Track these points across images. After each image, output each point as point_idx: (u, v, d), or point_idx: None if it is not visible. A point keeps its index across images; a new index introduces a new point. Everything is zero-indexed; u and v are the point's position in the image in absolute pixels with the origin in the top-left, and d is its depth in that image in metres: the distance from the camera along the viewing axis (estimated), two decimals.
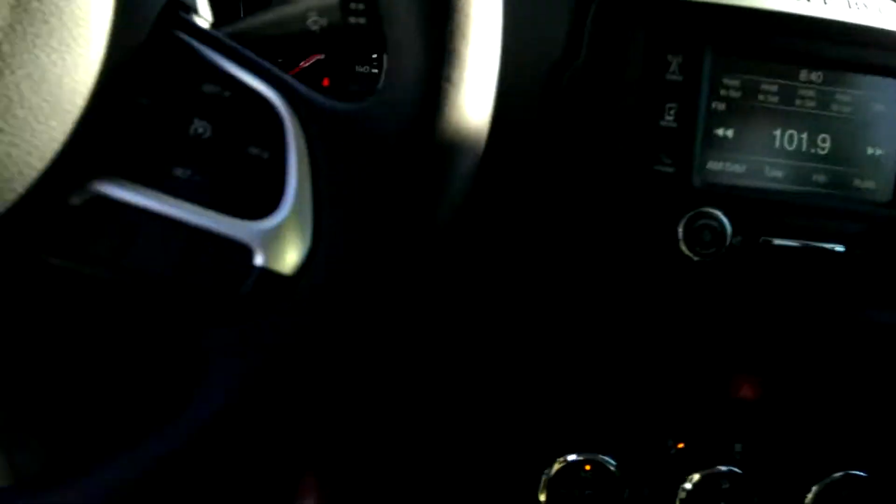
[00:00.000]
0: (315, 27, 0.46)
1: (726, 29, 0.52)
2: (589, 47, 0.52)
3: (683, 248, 0.51)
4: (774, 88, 0.53)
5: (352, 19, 0.40)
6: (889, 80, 0.54)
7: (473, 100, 0.32)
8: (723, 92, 0.53)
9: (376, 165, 0.30)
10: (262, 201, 0.30)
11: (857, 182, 0.54)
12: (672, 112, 0.52)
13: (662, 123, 0.52)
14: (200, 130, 0.31)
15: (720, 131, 0.53)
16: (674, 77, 0.52)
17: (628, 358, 0.59)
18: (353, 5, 0.40)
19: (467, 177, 0.32)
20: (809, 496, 0.61)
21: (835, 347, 0.58)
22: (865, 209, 0.54)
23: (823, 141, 0.54)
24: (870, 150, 0.54)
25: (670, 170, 0.52)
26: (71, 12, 0.26)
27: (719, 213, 0.50)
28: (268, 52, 0.52)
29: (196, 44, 0.31)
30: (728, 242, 0.50)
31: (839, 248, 0.53)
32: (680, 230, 0.50)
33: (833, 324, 0.55)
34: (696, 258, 0.50)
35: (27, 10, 0.24)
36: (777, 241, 0.53)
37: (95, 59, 0.27)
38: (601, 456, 0.60)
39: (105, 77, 0.27)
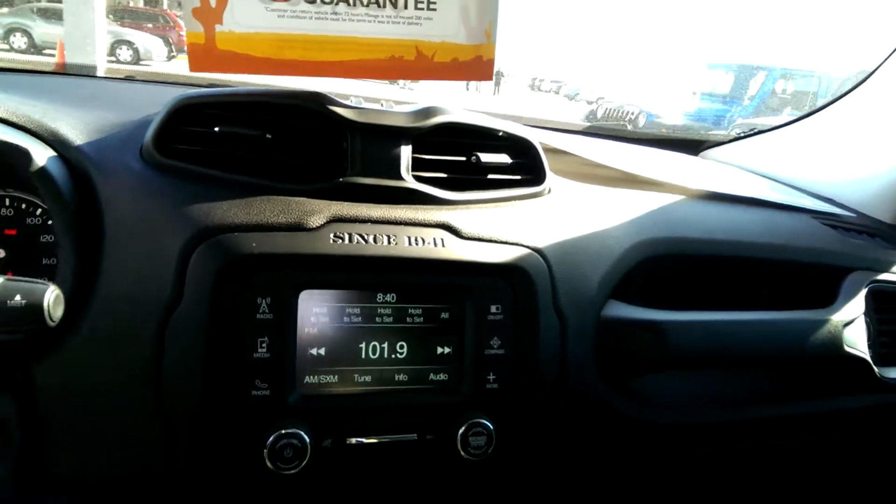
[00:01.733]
0: None
1: (307, 272, 0.63)
2: (188, 295, 0.60)
3: (268, 464, 0.60)
4: (357, 310, 0.65)
5: None
6: (452, 293, 0.68)
7: None
8: (313, 319, 0.64)
9: None
10: None
11: (432, 376, 0.68)
12: (265, 345, 0.61)
13: (256, 355, 0.61)
14: None
15: (314, 351, 0.64)
16: (265, 316, 0.61)
17: None
18: None
19: None
20: None
21: None
22: (440, 399, 0.67)
23: (402, 347, 0.67)
24: (439, 350, 0.68)
25: (266, 392, 0.62)
26: None
27: (300, 431, 0.61)
28: None
29: None
30: (308, 455, 0.61)
31: (412, 437, 0.66)
32: (265, 451, 0.60)
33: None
34: (282, 472, 0.60)
35: None
36: (360, 440, 0.64)
37: None
38: None
39: None
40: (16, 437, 0.60)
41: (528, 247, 0.71)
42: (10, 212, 0.71)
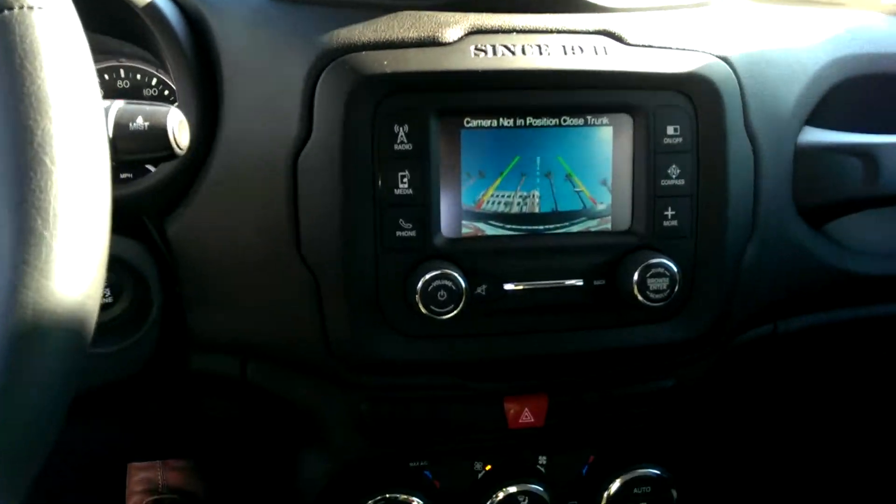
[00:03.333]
0: None
1: (447, 93, 0.53)
2: (318, 125, 0.53)
3: (421, 308, 0.53)
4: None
5: None
6: (616, 115, 0.56)
7: (66, 280, 0.30)
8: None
9: None
10: None
11: (595, 212, 0.58)
12: (405, 180, 0.53)
13: (398, 192, 0.54)
14: None
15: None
16: (403, 146, 0.53)
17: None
18: None
19: (73, 352, 0.31)
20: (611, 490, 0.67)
21: (597, 365, 0.63)
22: (604, 241, 0.58)
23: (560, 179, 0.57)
24: (604, 182, 0.57)
25: (412, 234, 0.54)
26: None
27: (455, 273, 0.53)
28: None
29: None
30: (464, 300, 0.53)
31: (578, 281, 0.57)
32: (416, 295, 0.53)
33: (587, 347, 0.60)
34: (436, 318, 0.53)
35: None
36: (520, 286, 0.56)
37: None
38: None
39: None
40: (156, 291, 0.57)
41: (712, 54, 0.57)
42: (126, 84, 0.66)
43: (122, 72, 0.67)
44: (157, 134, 0.44)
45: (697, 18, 0.61)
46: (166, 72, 0.63)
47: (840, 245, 0.68)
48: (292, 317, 0.57)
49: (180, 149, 0.46)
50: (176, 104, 0.56)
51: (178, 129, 0.46)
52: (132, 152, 0.44)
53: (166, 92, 0.66)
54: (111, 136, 0.43)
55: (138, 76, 0.67)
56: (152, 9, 0.57)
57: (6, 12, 0.31)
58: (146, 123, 0.43)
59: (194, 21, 0.60)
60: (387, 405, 0.62)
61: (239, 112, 0.57)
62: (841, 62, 0.66)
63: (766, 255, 0.62)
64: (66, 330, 0.31)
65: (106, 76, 0.66)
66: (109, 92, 0.66)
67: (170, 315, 0.59)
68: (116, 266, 0.56)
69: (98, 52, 0.66)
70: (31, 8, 0.31)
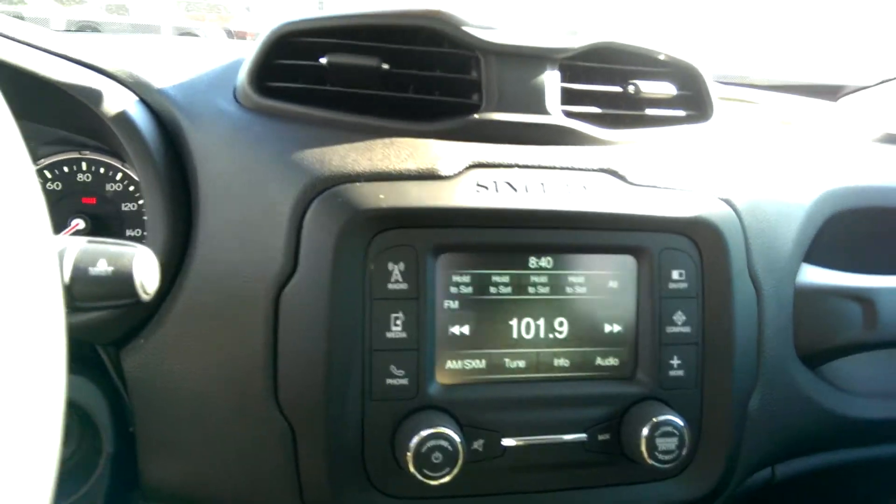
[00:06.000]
0: None
1: (445, 229, 0.50)
2: (305, 260, 0.48)
3: (413, 471, 0.47)
4: (506, 279, 0.52)
5: None
6: (621, 257, 0.54)
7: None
8: (453, 290, 0.51)
9: None
10: None
11: (599, 360, 0.54)
12: (399, 322, 0.49)
13: (390, 335, 0.49)
14: None
15: (455, 330, 0.51)
16: (398, 286, 0.49)
17: None
18: None
19: None
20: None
21: None
22: (608, 390, 0.53)
23: (561, 325, 0.53)
24: (608, 328, 0.54)
25: (404, 381, 0.49)
26: None
27: (451, 432, 0.48)
28: None
29: None
30: (460, 462, 0.48)
31: (583, 436, 0.52)
32: (408, 455, 0.47)
33: None
34: (428, 481, 0.47)
35: None
36: (520, 441, 0.51)
37: None
38: None
39: None
40: (107, 437, 0.50)
41: (715, 196, 0.56)
42: (87, 177, 0.61)
43: (83, 164, 0.61)
44: (122, 279, 0.38)
45: (695, 153, 0.60)
46: (132, 166, 0.58)
47: (839, 388, 0.66)
48: (262, 469, 0.50)
49: (147, 294, 0.41)
50: (144, 239, 0.51)
51: (146, 274, 0.40)
52: (91, 299, 0.38)
53: (131, 188, 0.61)
54: (67, 281, 0.37)
55: (101, 170, 0.61)
56: (124, 120, 0.53)
57: None
58: (110, 268, 0.38)
59: (170, 133, 0.56)
60: None
61: (214, 236, 0.52)
62: (832, 195, 0.66)
63: (769, 402, 0.59)
64: None
65: (66, 168, 0.61)
66: (69, 186, 0.61)
67: (121, 462, 0.51)
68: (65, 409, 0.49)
69: (58, 144, 0.61)
70: None
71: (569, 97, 0.58)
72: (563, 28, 0.58)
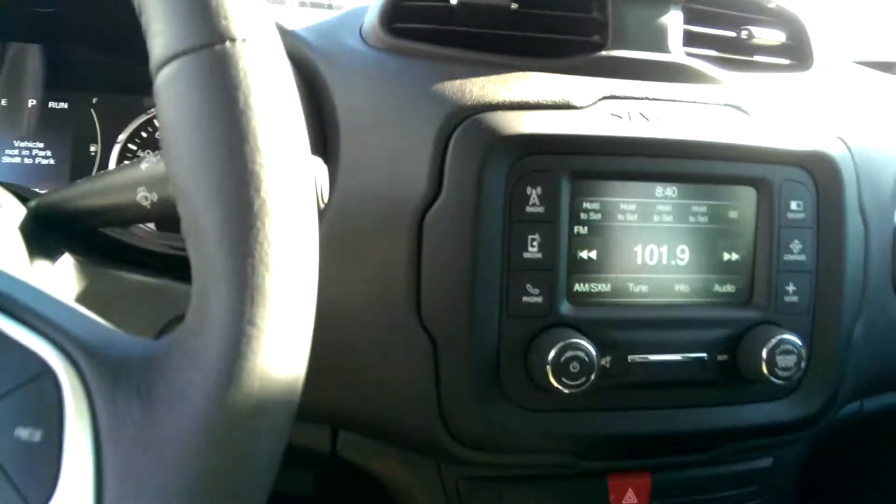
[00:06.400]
0: (146, 202, 0.42)
1: (581, 156, 0.53)
2: (449, 184, 0.51)
3: (552, 381, 0.50)
4: (633, 207, 0.54)
5: None
6: (740, 188, 0.56)
7: (285, 347, 0.27)
8: (583, 216, 0.53)
9: (169, 429, 0.25)
10: (35, 484, 0.25)
11: (717, 287, 0.56)
12: (535, 243, 0.52)
13: (526, 255, 0.52)
14: None
15: (584, 254, 0.54)
16: (535, 209, 0.52)
17: None
18: None
19: (278, 433, 0.28)
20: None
21: (704, 443, 0.60)
22: (726, 314, 0.56)
23: (682, 252, 0.55)
24: (726, 256, 0.56)
25: (538, 299, 0.52)
26: None
27: (586, 343, 0.51)
28: (93, 220, 0.48)
29: None
30: (595, 373, 0.51)
31: (702, 355, 0.55)
32: (548, 365, 0.50)
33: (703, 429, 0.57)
34: (565, 390, 0.51)
35: None
36: (644, 358, 0.54)
37: None
38: None
39: None
40: None
41: (831, 132, 0.58)
42: None
43: None
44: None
45: (806, 94, 0.62)
46: None
47: None
48: (403, 386, 0.54)
49: (323, 203, 0.44)
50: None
51: (323, 181, 0.44)
52: None
53: None
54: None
55: None
56: None
57: (218, 47, 0.27)
58: None
59: (303, 71, 0.59)
60: (485, 483, 0.59)
61: (357, 168, 0.54)
62: None
63: (870, 331, 0.61)
64: (282, 401, 0.28)
65: None
66: None
67: None
68: None
69: None
70: (244, 41, 0.27)
71: (688, 38, 0.60)
72: None
